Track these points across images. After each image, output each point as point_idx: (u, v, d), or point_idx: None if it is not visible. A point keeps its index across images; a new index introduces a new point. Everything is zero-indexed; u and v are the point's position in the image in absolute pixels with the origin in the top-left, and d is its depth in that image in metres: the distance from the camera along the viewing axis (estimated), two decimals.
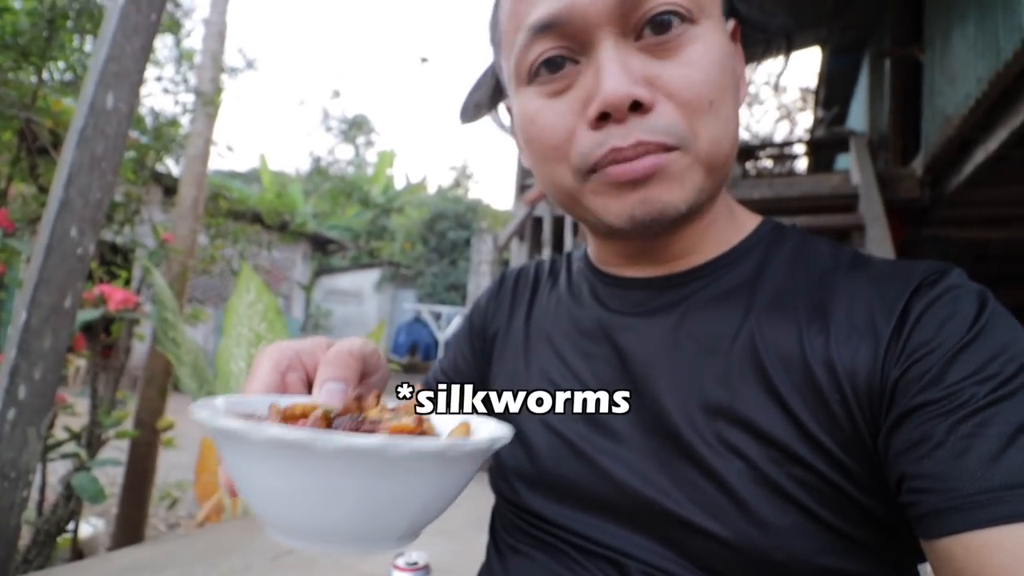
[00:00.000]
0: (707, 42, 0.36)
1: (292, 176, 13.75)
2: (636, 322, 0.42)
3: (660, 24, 0.34)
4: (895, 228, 2.98)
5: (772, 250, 0.41)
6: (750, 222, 0.44)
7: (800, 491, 0.33)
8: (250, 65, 3.21)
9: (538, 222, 3.66)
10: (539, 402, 0.42)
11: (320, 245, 10.88)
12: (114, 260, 2.64)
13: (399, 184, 15.17)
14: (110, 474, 3.74)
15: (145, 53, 1.22)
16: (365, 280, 12.27)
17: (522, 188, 4.85)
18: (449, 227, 11.72)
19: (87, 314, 1.52)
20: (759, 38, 0.43)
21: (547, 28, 0.35)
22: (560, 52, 0.36)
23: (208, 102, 2.50)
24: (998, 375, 0.30)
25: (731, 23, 0.41)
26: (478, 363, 0.56)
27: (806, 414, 0.34)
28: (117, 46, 1.14)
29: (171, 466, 4.32)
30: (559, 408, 0.43)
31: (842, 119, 6.47)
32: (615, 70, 0.34)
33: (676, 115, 0.35)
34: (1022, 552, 0.27)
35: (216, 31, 2.64)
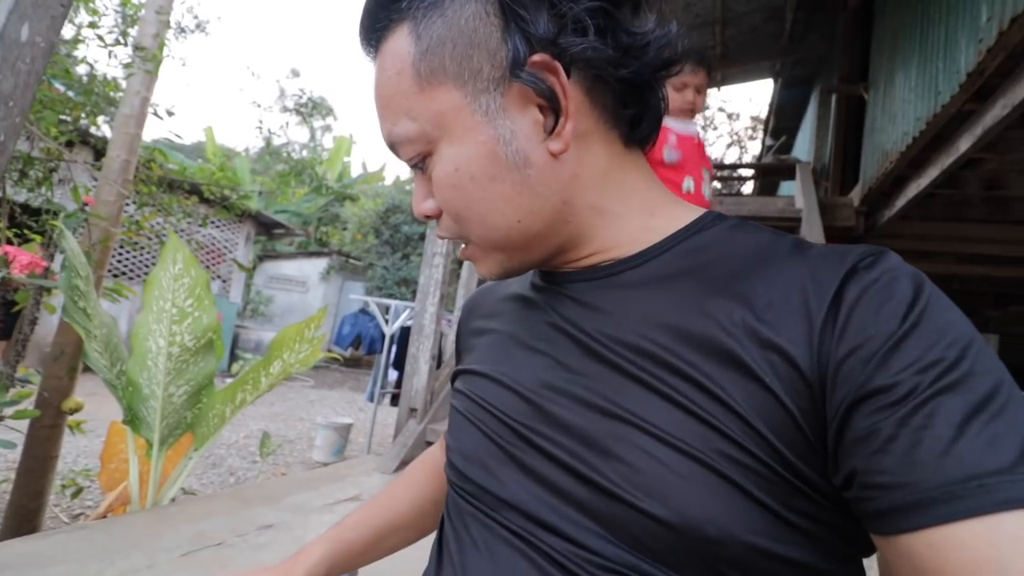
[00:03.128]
0: (442, 166, 0.41)
1: (240, 154, 13.09)
2: (565, 309, 0.44)
3: (417, 168, 0.43)
4: None
5: (708, 237, 0.42)
6: (684, 217, 0.44)
7: (733, 469, 0.33)
8: (200, 27, 3.01)
9: None
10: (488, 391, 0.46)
11: (266, 228, 10.39)
12: (28, 223, 2.39)
13: (355, 172, 14.78)
14: (10, 459, 3.40)
15: None
16: (312, 268, 11.84)
17: None
18: (404, 220, 11.49)
19: None
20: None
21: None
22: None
23: (148, 58, 2.30)
24: (941, 361, 0.30)
25: (513, 87, 0.39)
26: None
27: (735, 397, 0.34)
28: None
29: (80, 452, 3.97)
30: (506, 400, 0.44)
31: (788, 148, 6.82)
32: (415, 193, 0.45)
33: (450, 220, 0.43)
34: (982, 548, 0.27)
35: None
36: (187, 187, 3.19)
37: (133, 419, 1.34)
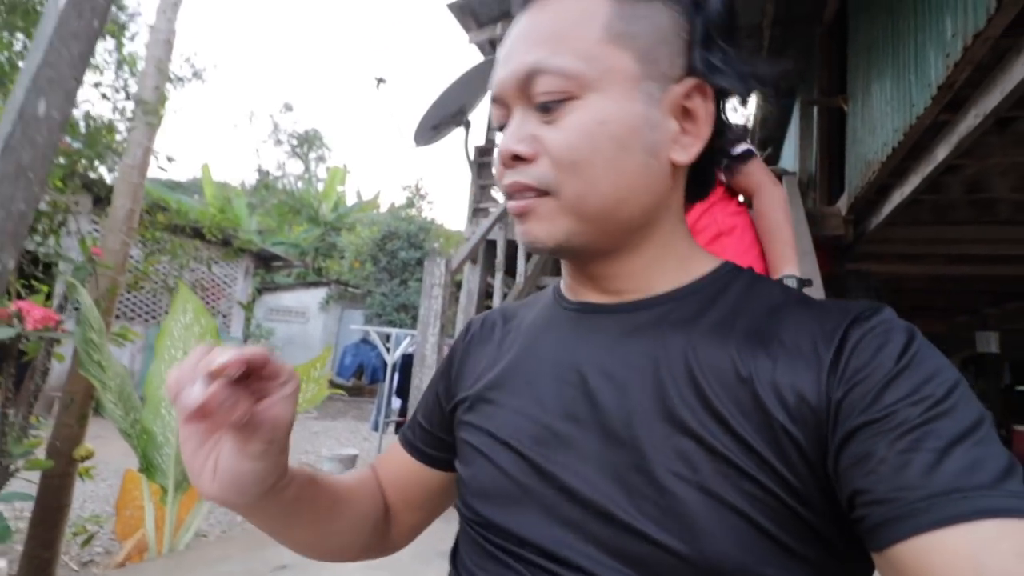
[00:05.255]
0: (583, 115, 0.42)
1: (236, 188, 13.22)
2: (593, 340, 0.45)
3: (539, 103, 0.43)
4: (822, 262, 3.20)
5: (725, 286, 0.45)
6: (708, 264, 0.47)
7: (746, 503, 0.36)
8: (197, 75, 3.11)
9: (491, 245, 3.68)
10: (501, 428, 0.46)
11: (264, 261, 10.46)
12: (34, 273, 2.44)
13: (350, 201, 14.90)
14: (18, 507, 3.39)
15: (84, 60, 1.16)
16: (311, 298, 11.88)
17: (475, 211, 4.87)
18: (401, 247, 11.57)
19: (1, 332, 1.39)
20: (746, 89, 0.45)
21: (495, 100, 0.47)
22: (503, 120, 0.47)
23: (150, 111, 2.38)
24: (930, 397, 0.33)
25: (686, 83, 0.43)
26: (449, 400, 0.56)
27: (750, 432, 0.37)
28: (54, 51, 1.07)
29: (87, 497, 3.96)
30: (524, 432, 0.45)
31: (775, 159, 6.93)
32: (508, 133, 0.44)
33: (548, 167, 0.42)
34: (962, 551, 0.29)
35: (163, 38, 2.54)
36: (189, 230, 3.25)
37: (148, 467, 1.37)
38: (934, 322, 7.18)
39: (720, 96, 0.45)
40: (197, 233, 3.34)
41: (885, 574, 0.33)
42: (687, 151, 0.44)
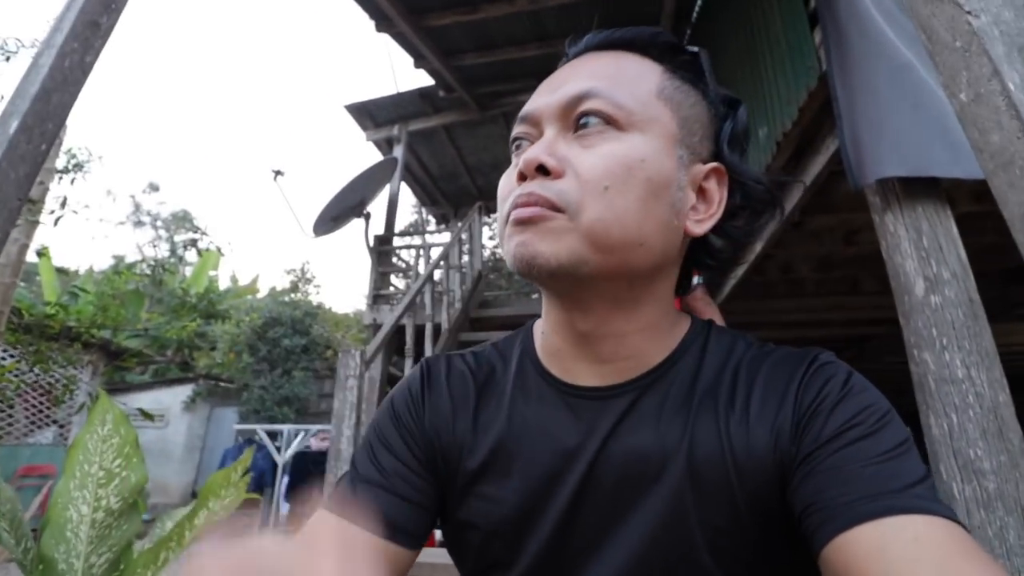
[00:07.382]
0: (623, 145, 0.42)
1: (79, 273, 11.68)
2: (596, 432, 0.46)
3: (582, 122, 0.43)
4: None
5: (703, 351, 0.48)
6: (684, 324, 0.50)
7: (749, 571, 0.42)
8: (79, 167, 3.00)
9: (400, 331, 3.79)
10: (521, 519, 0.46)
11: (118, 358, 9.16)
12: None
13: (224, 286, 13.90)
14: None
15: (29, 181, 1.22)
16: (172, 398, 10.50)
17: (375, 298, 4.94)
18: (284, 334, 10.89)
19: None
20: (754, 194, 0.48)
21: (523, 119, 0.48)
22: (524, 137, 0.47)
23: (34, 209, 2.27)
24: (862, 424, 0.39)
25: (711, 165, 0.47)
26: (425, 459, 0.50)
27: (744, 502, 0.41)
28: (1, 172, 1.13)
29: None
30: (539, 534, 0.46)
31: None
32: (538, 146, 0.44)
33: (573, 186, 0.41)
34: (872, 542, 0.33)
35: None
36: (58, 330, 2.98)
37: None
38: None
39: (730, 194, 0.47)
40: (64, 334, 3.03)
41: (824, 574, 0.36)
42: (700, 225, 0.46)
